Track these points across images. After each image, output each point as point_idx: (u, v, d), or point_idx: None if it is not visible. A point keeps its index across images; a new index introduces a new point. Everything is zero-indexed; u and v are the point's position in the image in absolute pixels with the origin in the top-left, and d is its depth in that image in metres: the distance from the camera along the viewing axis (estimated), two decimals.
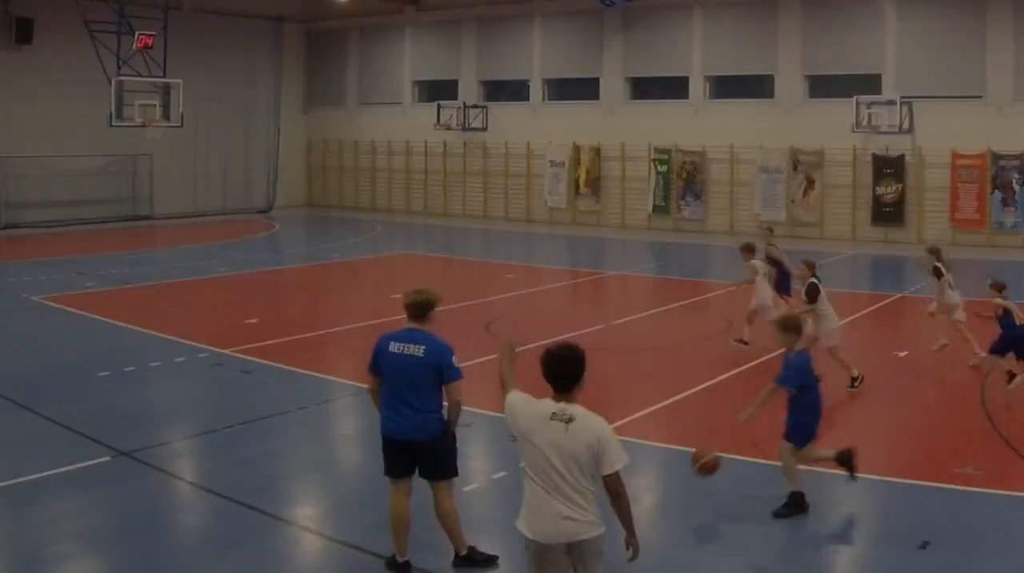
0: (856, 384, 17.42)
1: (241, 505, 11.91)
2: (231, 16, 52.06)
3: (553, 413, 7.75)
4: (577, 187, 47.36)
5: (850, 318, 24.79)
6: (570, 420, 7.68)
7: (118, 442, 14.06)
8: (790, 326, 12.00)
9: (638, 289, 30.49)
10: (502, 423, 14.95)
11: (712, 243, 40.54)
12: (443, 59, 52.36)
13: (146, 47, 38.53)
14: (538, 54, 48.77)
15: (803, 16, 41.30)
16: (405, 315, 10.01)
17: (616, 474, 7.63)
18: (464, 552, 10.27)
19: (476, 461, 14.10)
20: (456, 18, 51.34)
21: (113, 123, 38.55)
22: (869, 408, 16.80)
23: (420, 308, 9.94)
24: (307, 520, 11.85)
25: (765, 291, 20.65)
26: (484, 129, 50.25)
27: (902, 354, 20.53)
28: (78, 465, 13.20)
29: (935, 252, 20.16)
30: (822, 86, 41.69)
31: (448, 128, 49.97)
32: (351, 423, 16.26)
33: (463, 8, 50.76)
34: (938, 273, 19.64)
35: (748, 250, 21.17)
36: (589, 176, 46.87)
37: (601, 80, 46.96)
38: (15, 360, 19.33)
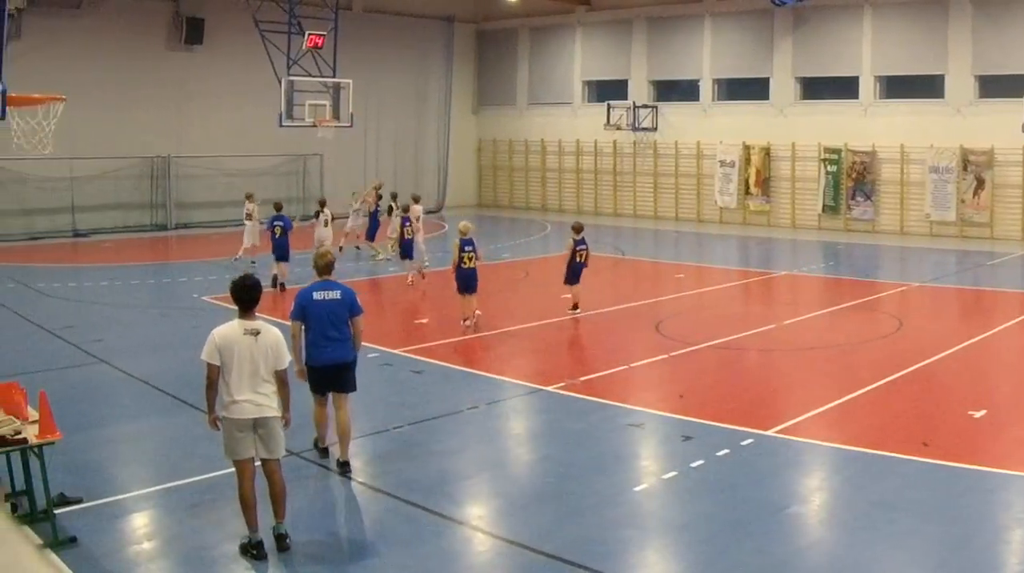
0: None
1: (411, 505, 12.05)
2: (401, 16, 53.14)
3: (245, 330, 10.78)
4: (747, 187, 47.02)
5: (1019, 318, 24.19)
6: (257, 332, 10.77)
7: (287, 443, 14.23)
8: None
9: (809, 289, 30.10)
10: (673, 424, 15.12)
11: (882, 243, 39.91)
12: (613, 59, 52.50)
13: (316, 47, 38.90)
14: (708, 54, 48.51)
15: (973, 16, 40.33)
16: (316, 272, 13.43)
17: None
18: (346, 458, 13.38)
19: (646, 461, 14.12)
20: (626, 18, 51.41)
21: (283, 123, 38.85)
22: None
23: (329, 266, 13.47)
24: (478, 520, 11.99)
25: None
26: (654, 129, 50.24)
27: None
28: None
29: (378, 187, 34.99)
30: (992, 86, 40.67)
31: (618, 128, 50.04)
32: (522, 423, 16.36)
33: (633, 8, 50.84)
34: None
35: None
36: (759, 176, 46.51)
37: (771, 80, 46.51)
38: (186, 361, 19.63)
